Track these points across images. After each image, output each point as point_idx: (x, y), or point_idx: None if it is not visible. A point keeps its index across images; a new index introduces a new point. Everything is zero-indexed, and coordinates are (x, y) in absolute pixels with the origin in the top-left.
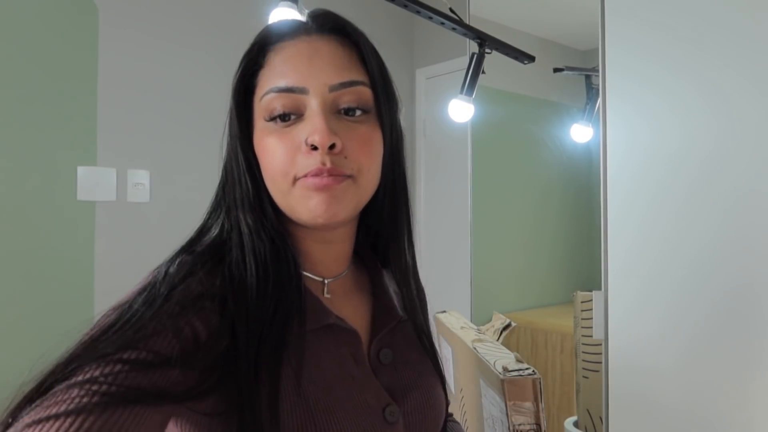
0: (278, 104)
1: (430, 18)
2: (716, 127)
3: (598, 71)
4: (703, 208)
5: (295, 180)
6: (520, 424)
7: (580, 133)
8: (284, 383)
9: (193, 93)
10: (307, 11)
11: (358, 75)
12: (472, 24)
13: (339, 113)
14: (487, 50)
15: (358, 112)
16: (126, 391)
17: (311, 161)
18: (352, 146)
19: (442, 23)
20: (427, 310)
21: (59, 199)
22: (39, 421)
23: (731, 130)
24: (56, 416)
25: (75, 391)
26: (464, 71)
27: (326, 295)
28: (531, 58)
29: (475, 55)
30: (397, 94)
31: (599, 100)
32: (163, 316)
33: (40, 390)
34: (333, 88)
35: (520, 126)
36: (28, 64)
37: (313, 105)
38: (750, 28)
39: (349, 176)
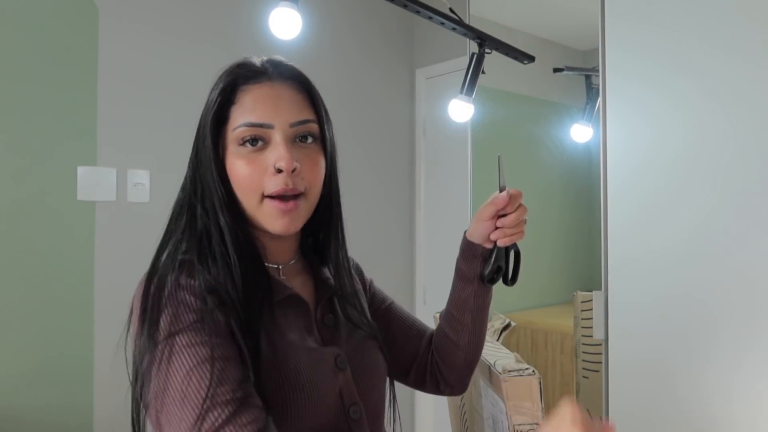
0: (249, 134)
1: (430, 18)
2: (718, 124)
3: (598, 71)
4: (703, 208)
5: (263, 197)
6: (520, 424)
7: (580, 133)
8: (263, 341)
9: (193, 93)
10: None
11: (310, 114)
12: (472, 24)
13: (295, 141)
14: (487, 50)
15: (309, 139)
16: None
17: (277, 181)
18: (305, 168)
19: (442, 23)
20: (361, 295)
21: (59, 199)
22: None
23: (733, 127)
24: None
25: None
26: (464, 71)
27: (282, 277)
28: (531, 58)
29: (475, 55)
30: (331, 125)
31: (599, 100)
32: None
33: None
34: (293, 125)
35: (520, 126)
36: (28, 65)
37: (277, 138)
38: (752, 23)
39: (302, 193)
